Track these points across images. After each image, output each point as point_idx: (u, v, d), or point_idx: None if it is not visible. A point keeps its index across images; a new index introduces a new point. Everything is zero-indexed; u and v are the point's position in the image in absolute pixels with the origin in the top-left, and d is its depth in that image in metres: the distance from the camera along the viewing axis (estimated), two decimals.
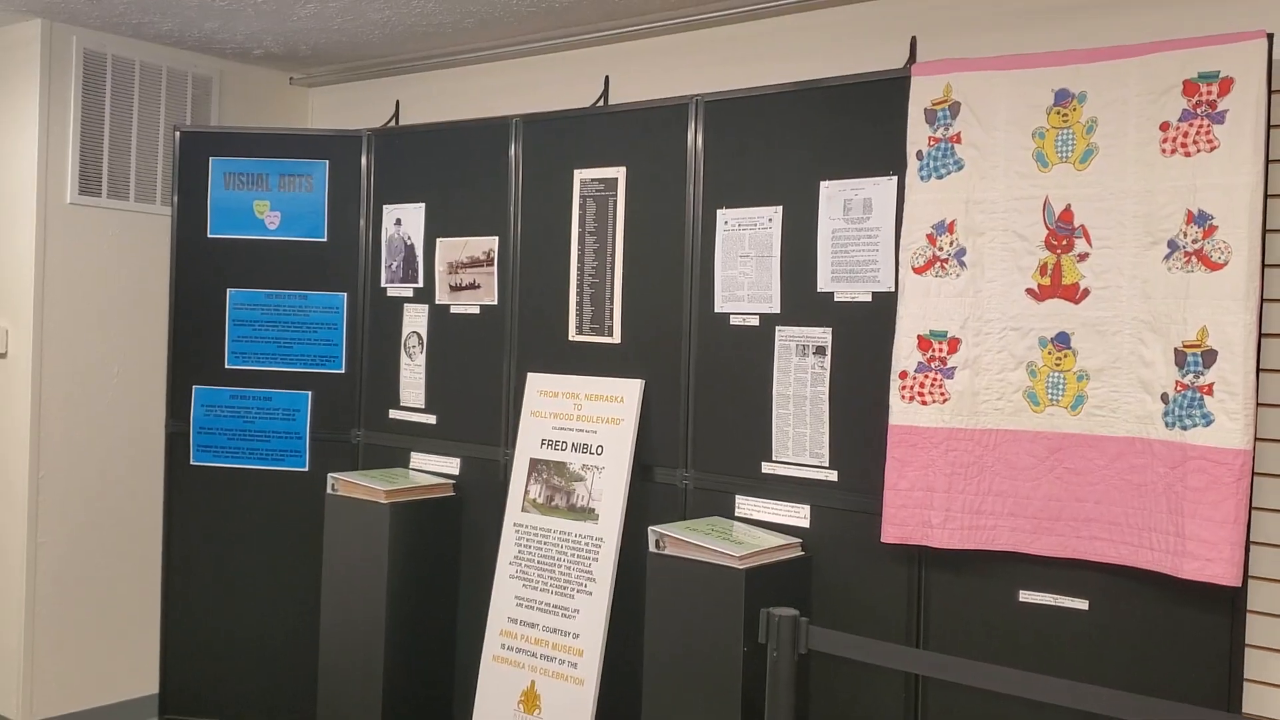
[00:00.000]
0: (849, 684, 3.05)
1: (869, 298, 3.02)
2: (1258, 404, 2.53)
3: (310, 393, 4.21)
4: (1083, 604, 2.72)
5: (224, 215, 4.25)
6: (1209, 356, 2.49)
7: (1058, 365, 2.72)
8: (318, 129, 4.35)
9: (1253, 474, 2.48)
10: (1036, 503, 2.74)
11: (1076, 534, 2.69)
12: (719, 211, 3.29)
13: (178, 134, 4.26)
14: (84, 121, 4.09)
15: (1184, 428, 2.51)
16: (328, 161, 4.21)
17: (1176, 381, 2.53)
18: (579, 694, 3.30)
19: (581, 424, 3.50)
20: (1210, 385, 2.48)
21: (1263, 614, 2.60)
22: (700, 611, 2.98)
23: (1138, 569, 2.62)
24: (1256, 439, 2.54)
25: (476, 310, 3.87)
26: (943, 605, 2.91)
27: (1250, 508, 2.47)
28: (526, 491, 3.57)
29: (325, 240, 4.21)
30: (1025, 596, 2.80)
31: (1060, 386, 2.71)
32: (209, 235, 4.25)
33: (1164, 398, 2.55)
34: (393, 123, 4.46)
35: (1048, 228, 2.72)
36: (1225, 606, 2.54)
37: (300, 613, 4.20)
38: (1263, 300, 2.52)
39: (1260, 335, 2.48)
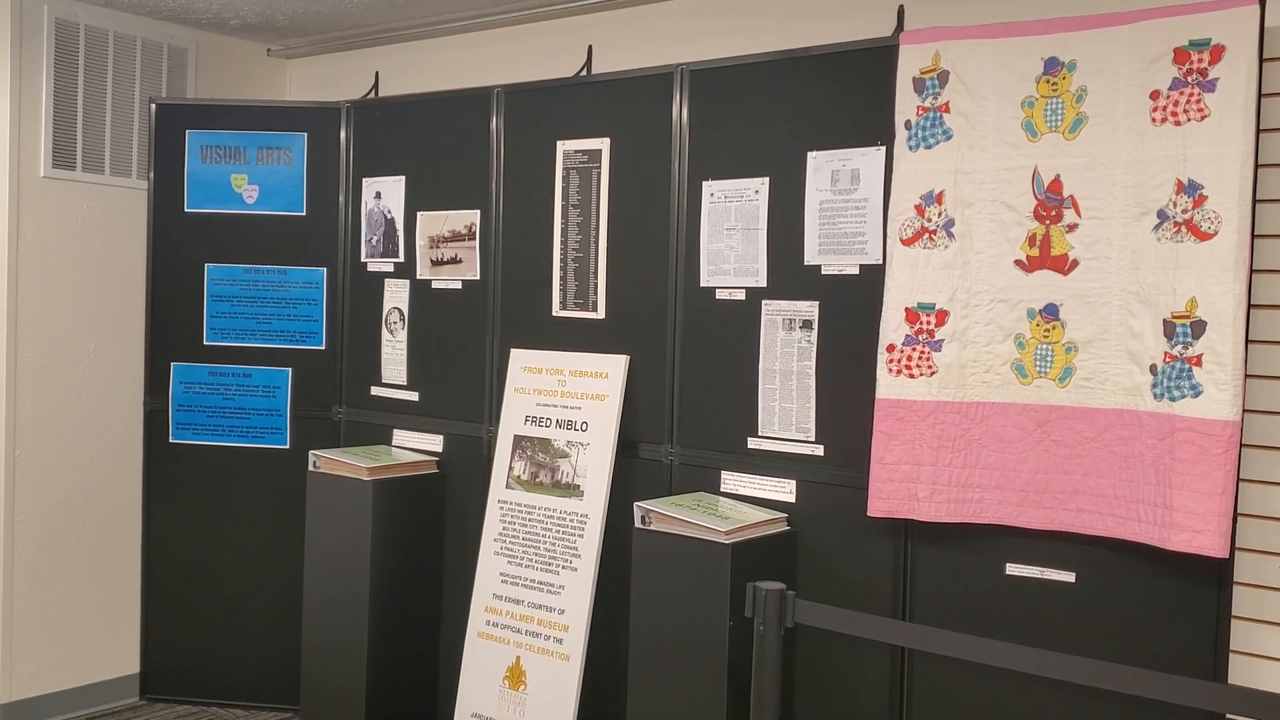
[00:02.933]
0: (835, 658, 3.04)
1: (856, 270, 2.99)
2: (1246, 375, 2.52)
3: (290, 369, 4.16)
4: (1069, 576, 2.71)
5: (201, 189, 4.19)
6: (1198, 327, 2.47)
7: (1046, 337, 2.70)
8: (296, 101, 4.29)
9: (1241, 445, 2.47)
10: (1024, 475, 2.72)
11: (1064, 506, 2.68)
12: (704, 183, 3.25)
13: (153, 106, 4.18)
14: (57, 93, 4.01)
15: (1172, 399, 2.50)
16: (306, 134, 4.15)
17: (1165, 352, 2.52)
18: (565, 669, 3.28)
19: (566, 400, 3.47)
20: (1199, 356, 2.47)
21: (1249, 585, 2.60)
22: (686, 587, 2.96)
23: (1125, 541, 2.62)
24: (1245, 410, 2.53)
25: (458, 285, 3.82)
26: (929, 579, 2.90)
27: (1238, 479, 2.46)
28: (511, 468, 3.54)
29: (304, 214, 4.16)
30: (1012, 569, 2.79)
31: (1048, 358, 2.70)
32: (186, 209, 4.19)
33: (1153, 369, 2.54)
34: (372, 94, 4.40)
35: (1037, 198, 2.70)
36: (1212, 578, 2.54)
37: (283, 591, 4.17)
38: (1252, 271, 2.50)
39: (1249, 306, 2.47)
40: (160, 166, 4.19)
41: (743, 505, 3.14)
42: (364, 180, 4.07)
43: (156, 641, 4.24)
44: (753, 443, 3.18)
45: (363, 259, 4.08)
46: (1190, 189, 2.50)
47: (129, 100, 4.22)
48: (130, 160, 4.23)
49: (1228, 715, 2.57)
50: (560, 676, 3.29)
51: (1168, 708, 2.60)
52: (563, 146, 3.55)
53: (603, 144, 3.46)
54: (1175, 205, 2.52)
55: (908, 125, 2.85)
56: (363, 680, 3.63)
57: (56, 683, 4.09)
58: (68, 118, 4.05)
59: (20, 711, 3.98)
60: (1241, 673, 2.60)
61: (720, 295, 3.23)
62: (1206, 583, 2.54)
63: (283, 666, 4.18)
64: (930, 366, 2.81)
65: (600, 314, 3.48)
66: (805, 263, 3.08)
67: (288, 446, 4.16)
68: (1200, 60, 2.49)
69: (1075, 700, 2.71)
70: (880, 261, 2.94)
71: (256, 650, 4.20)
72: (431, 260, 3.88)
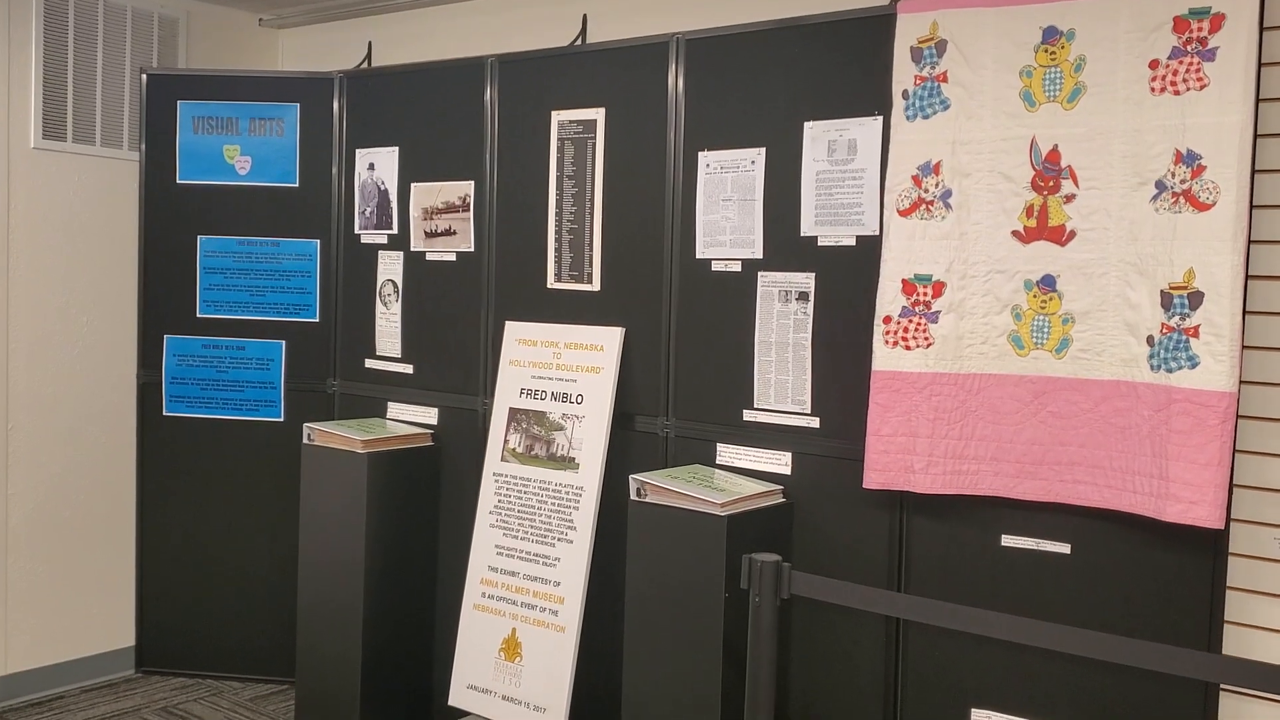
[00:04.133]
0: (830, 630, 3.04)
1: (853, 242, 2.98)
2: (1243, 346, 2.51)
3: (284, 342, 4.15)
4: (1065, 548, 2.72)
5: (193, 160, 4.15)
6: (1195, 298, 2.46)
7: (1043, 308, 2.69)
8: (288, 71, 4.25)
9: (1237, 416, 2.47)
10: (1020, 447, 2.72)
11: (1060, 478, 2.67)
12: (700, 154, 3.23)
13: (144, 76, 4.14)
14: (47, 63, 3.97)
15: (1169, 370, 2.49)
16: (299, 105, 4.12)
17: (1162, 324, 2.51)
18: (560, 641, 3.29)
19: (561, 373, 3.46)
20: (1196, 327, 2.46)
21: (1244, 556, 2.60)
22: (682, 559, 2.96)
23: (1120, 512, 2.62)
24: (1241, 382, 2.53)
25: (453, 257, 3.80)
26: (924, 551, 2.90)
27: (1234, 450, 2.46)
28: (506, 441, 3.53)
29: (297, 186, 4.13)
30: (1007, 541, 2.79)
31: (1045, 330, 2.69)
32: (178, 181, 4.16)
33: (1150, 340, 2.53)
34: (365, 64, 4.36)
35: (1034, 168, 2.68)
36: (1207, 549, 2.54)
37: (278, 563, 4.17)
38: (1250, 242, 2.49)
39: (1247, 277, 2.46)
40: (152, 138, 4.15)
41: (738, 477, 3.14)
42: (357, 151, 4.05)
43: (151, 614, 4.24)
44: (748, 415, 3.17)
45: (356, 231, 4.06)
46: (1189, 159, 2.48)
47: (119, 71, 4.18)
48: (121, 131, 4.19)
49: (1222, 685, 2.58)
50: (556, 648, 3.29)
51: (1162, 678, 2.60)
52: (558, 117, 3.52)
53: (598, 114, 3.43)
54: (1174, 175, 2.50)
55: (905, 95, 2.83)
56: (358, 652, 3.64)
57: (51, 656, 4.10)
58: (58, 88, 4.01)
59: (15, 684, 3.99)
60: (1235, 643, 2.60)
61: (716, 267, 3.22)
62: (1201, 554, 2.54)
63: (278, 638, 4.18)
64: (927, 338, 2.80)
65: (595, 286, 3.46)
66: (802, 234, 3.06)
67: (282, 419, 4.15)
68: (1200, 29, 2.47)
69: (1070, 671, 2.72)
70: (877, 232, 2.93)
71: (252, 622, 4.20)
72: (425, 232, 3.86)
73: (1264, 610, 2.58)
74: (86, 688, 4.13)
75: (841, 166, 2.98)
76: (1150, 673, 2.61)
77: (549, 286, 3.56)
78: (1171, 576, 2.58)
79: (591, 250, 3.46)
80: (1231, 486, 2.47)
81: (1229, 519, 2.49)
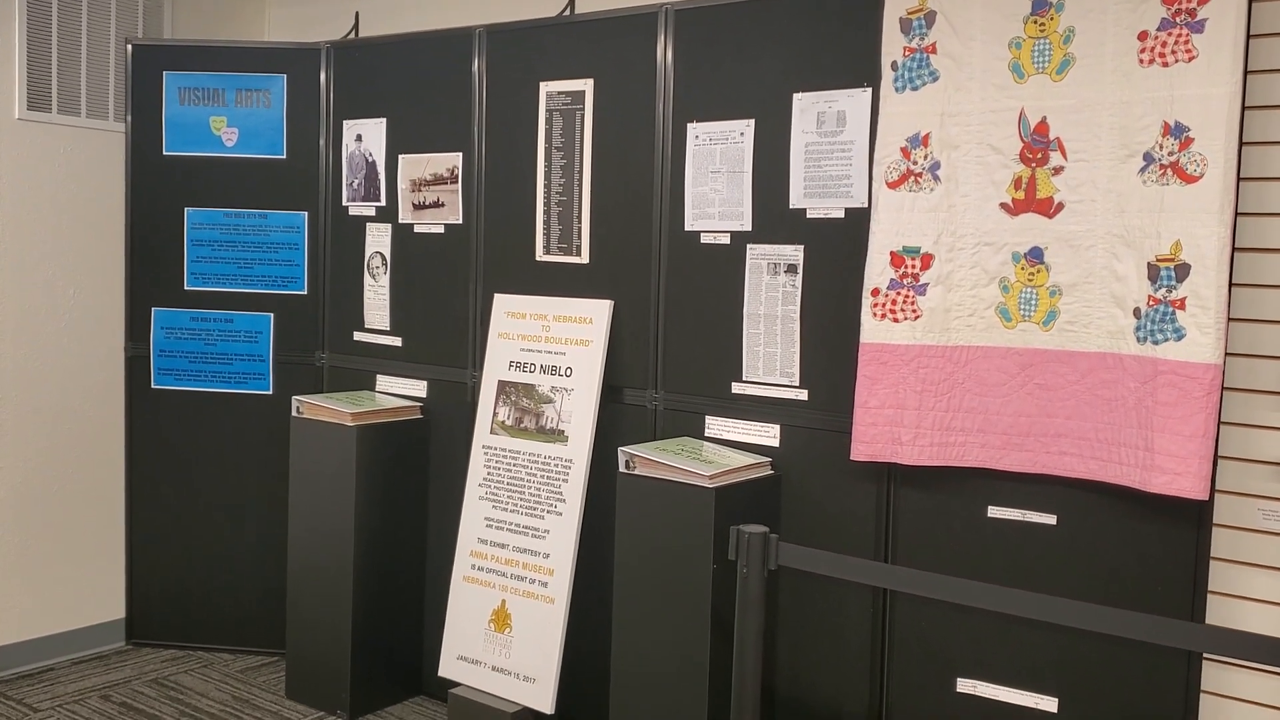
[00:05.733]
0: (817, 601, 3.06)
1: (841, 214, 2.98)
2: (1229, 318, 2.52)
3: (272, 314, 4.13)
4: (1051, 519, 2.73)
5: (179, 132, 4.13)
6: (1182, 270, 2.47)
7: (1030, 281, 2.69)
8: (275, 42, 4.22)
9: (1222, 388, 2.48)
10: (1006, 419, 2.73)
11: (1046, 450, 2.69)
12: (689, 125, 3.22)
13: (130, 47, 4.11)
14: (31, 33, 3.93)
15: (1155, 342, 2.50)
16: (286, 76, 4.09)
17: (1149, 296, 2.51)
18: (550, 612, 3.30)
19: (550, 346, 3.46)
20: (1182, 299, 2.47)
21: (1227, 527, 2.62)
22: (670, 530, 2.97)
23: (1106, 484, 2.63)
24: (1226, 354, 2.54)
25: (441, 230, 3.79)
26: (911, 522, 2.91)
27: (1219, 422, 2.47)
28: (495, 414, 3.53)
29: (284, 157, 4.11)
30: (994, 512, 2.80)
31: (1033, 302, 2.69)
32: (164, 153, 4.13)
33: (1136, 312, 2.54)
34: (352, 35, 4.32)
35: (1023, 140, 2.68)
36: (1191, 520, 2.56)
37: (267, 535, 4.17)
38: (1237, 214, 2.49)
39: (1234, 249, 2.46)
40: (137, 109, 4.12)
41: (727, 450, 3.15)
42: (345, 122, 4.02)
43: (141, 586, 4.25)
44: (737, 387, 3.18)
45: (344, 202, 4.04)
46: (1177, 131, 2.48)
47: (104, 41, 4.14)
48: (107, 102, 4.16)
49: (1205, 654, 2.60)
50: (545, 619, 3.31)
51: (1147, 647, 2.63)
52: (546, 88, 3.51)
53: (586, 85, 3.42)
54: (1162, 148, 2.50)
55: (894, 66, 2.82)
56: (348, 624, 3.65)
57: (42, 628, 4.10)
58: (42, 59, 3.97)
59: (6, 657, 4.00)
60: (1219, 613, 2.63)
61: (705, 239, 3.21)
62: (1186, 525, 2.56)
63: (268, 610, 4.19)
64: (915, 310, 2.80)
65: (584, 258, 3.45)
66: (790, 206, 3.06)
67: (270, 392, 4.15)
68: (1189, 1, 2.47)
69: (1055, 641, 2.74)
70: (866, 205, 2.92)
71: (242, 594, 4.21)
72: (414, 204, 3.85)
73: (1247, 580, 2.61)
74: (77, 660, 4.14)
75: (830, 138, 2.97)
76: (1134, 642, 2.64)
77: (538, 259, 3.56)
78: (1156, 547, 2.60)
79: (580, 223, 3.45)
80: (1216, 458, 2.49)
81: (1213, 490, 2.50)
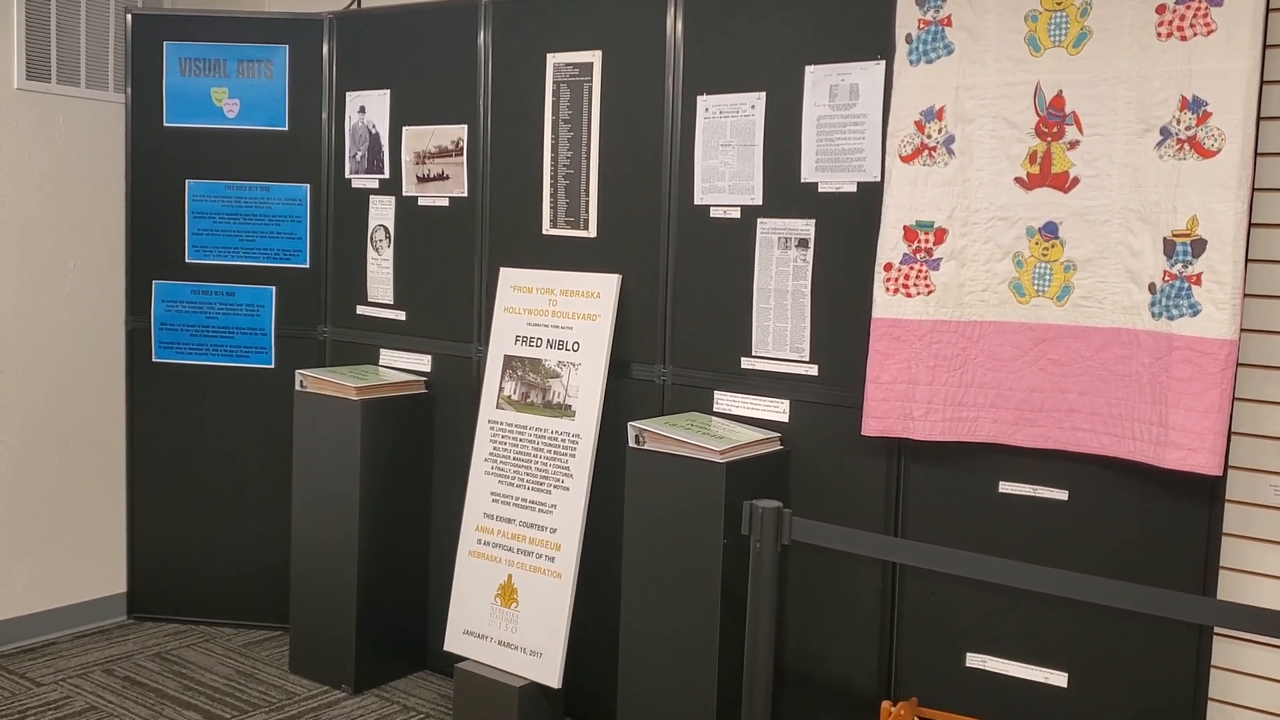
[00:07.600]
0: (826, 576, 3.06)
1: (854, 188, 2.96)
2: (1244, 294, 2.51)
3: (274, 288, 4.11)
4: (1062, 494, 2.73)
5: (180, 103, 4.08)
6: (1198, 246, 2.46)
7: (1045, 255, 2.68)
8: (277, 12, 4.17)
9: (1237, 364, 2.47)
10: (1019, 394, 2.72)
11: (1059, 425, 2.68)
12: (699, 98, 3.19)
13: (129, 16, 4.06)
14: (29, 1, 3.88)
15: (1170, 318, 2.49)
16: (288, 46, 4.04)
17: (1164, 271, 2.51)
18: (557, 587, 3.30)
19: (557, 320, 3.44)
20: (1199, 275, 2.46)
21: (1240, 503, 2.62)
22: (680, 506, 2.96)
23: (1118, 459, 2.63)
24: (1242, 330, 2.53)
25: (445, 203, 3.76)
26: (922, 497, 2.91)
27: (1233, 398, 2.47)
28: (501, 388, 3.52)
29: (286, 129, 4.07)
30: (1005, 488, 2.80)
31: (1046, 277, 2.68)
32: (165, 124, 4.09)
33: (1151, 288, 2.53)
34: (355, 5, 4.27)
35: (1038, 114, 2.66)
36: (1204, 496, 2.56)
37: (270, 510, 4.16)
38: (1254, 189, 2.48)
39: (1250, 225, 2.46)
40: (138, 80, 4.08)
41: (736, 425, 3.14)
42: (348, 94, 3.98)
43: (143, 560, 4.23)
44: (746, 363, 3.17)
45: (347, 175, 4.01)
46: (1194, 105, 2.47)
47: (104, 10, 4.09)
48: (106, 73, 4.11)
49: (1216, 629, 2.61)
50: (552, 594, 3.30)
51: (1157, 622, 2.63)
52: (553, 59, 3.47)
53: (594, 57, 3.39)
54: (1179, 122, 2.49)
55: (909, 39, 2.79)
56: (353, 599, 3.64)
57: (43, 602, 4.09)
58: (41, 28, 3.92)
59: (7, 631, 3.98)
60: (1231, 588, 2.63)
61: (715, 213, 3.19)
62: (1198, 500, 2.56)
63: (271, 584, 4.18)
64: (928, 285, 2.79)
65: (592, 232, 3.43)
66: (802, 180, 3.04)
67: (272, 366, 4.12)
68: None
69: (1065, 615, 2.75)
70: (879, 179, 2.90)
71: (244, 568, 4.20)
72: (418, 177, 3.82)
73: (1259, 556, 2.61)
74: (79, 634, 4.13)
75: (843, 111, 2.95)
76: (1145, 617, 2.64)
77: (544, 233, 3.53)
78: (1168, 522, 2.60)
79: (588, 196, 3.43)
80: (1230, 434, 2.49)
81: (1226, 466, 2.50)
